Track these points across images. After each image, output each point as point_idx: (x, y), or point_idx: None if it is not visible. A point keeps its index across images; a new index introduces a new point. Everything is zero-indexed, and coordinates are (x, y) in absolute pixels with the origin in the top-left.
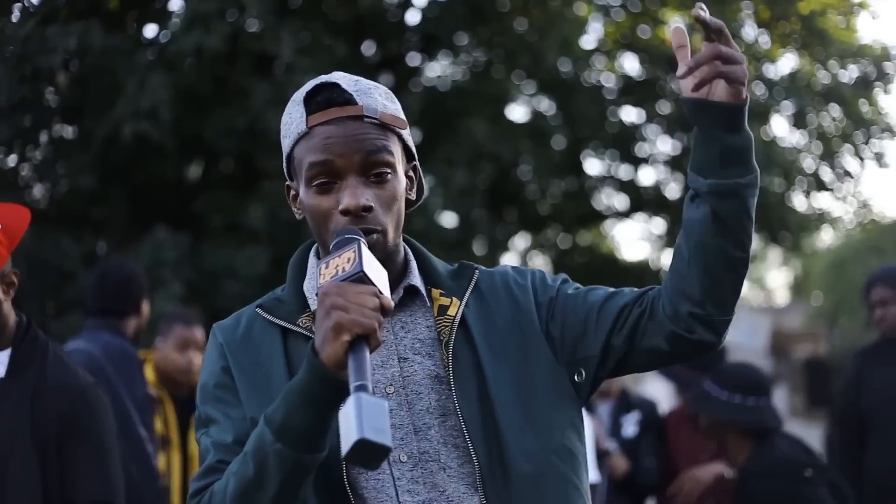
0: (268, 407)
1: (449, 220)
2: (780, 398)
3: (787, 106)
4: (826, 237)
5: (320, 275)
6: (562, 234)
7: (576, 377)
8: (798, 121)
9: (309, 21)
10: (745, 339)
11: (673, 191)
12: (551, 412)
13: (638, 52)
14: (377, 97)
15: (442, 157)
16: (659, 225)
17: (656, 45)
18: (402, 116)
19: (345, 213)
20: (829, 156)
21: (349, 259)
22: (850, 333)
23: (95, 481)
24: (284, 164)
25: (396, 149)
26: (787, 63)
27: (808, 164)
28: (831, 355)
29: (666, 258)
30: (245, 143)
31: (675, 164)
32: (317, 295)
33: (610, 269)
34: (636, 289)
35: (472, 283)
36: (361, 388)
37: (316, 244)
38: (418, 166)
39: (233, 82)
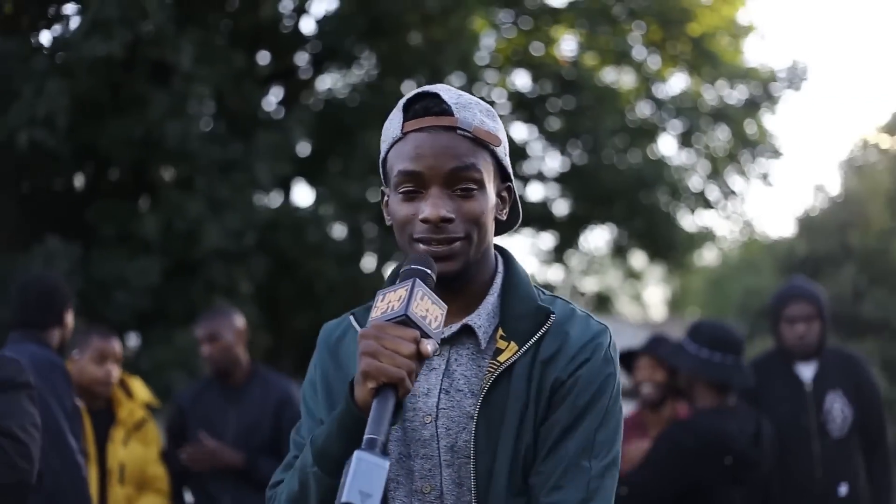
0: (332, 410)
1: (340, 232)
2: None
3: (676, 125)
4: (706, 255)
5: (375, 307)
6: None
7: None
8: (686, 140)
9: (207, 30)
10: None
11: (560, 207)
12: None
13: (530, 69)
14: (476, 112)
15: (335, 170)
16: (546, 240)
17: (548, 62)
18: (501, 135)
19: (424, 221)
20: (716, 175)
21: (400, 297)
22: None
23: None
24: (381, 169)
25: (487, 166)
26: (676, 83)
27: (694, 182)
28: None
29: (553, 273)
30: (140, 152)
31: (563, 180)
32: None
33: None
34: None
35: (541, 332)
36: (370, 443)
37: None
38: (513, 187)
39: (130, 90)
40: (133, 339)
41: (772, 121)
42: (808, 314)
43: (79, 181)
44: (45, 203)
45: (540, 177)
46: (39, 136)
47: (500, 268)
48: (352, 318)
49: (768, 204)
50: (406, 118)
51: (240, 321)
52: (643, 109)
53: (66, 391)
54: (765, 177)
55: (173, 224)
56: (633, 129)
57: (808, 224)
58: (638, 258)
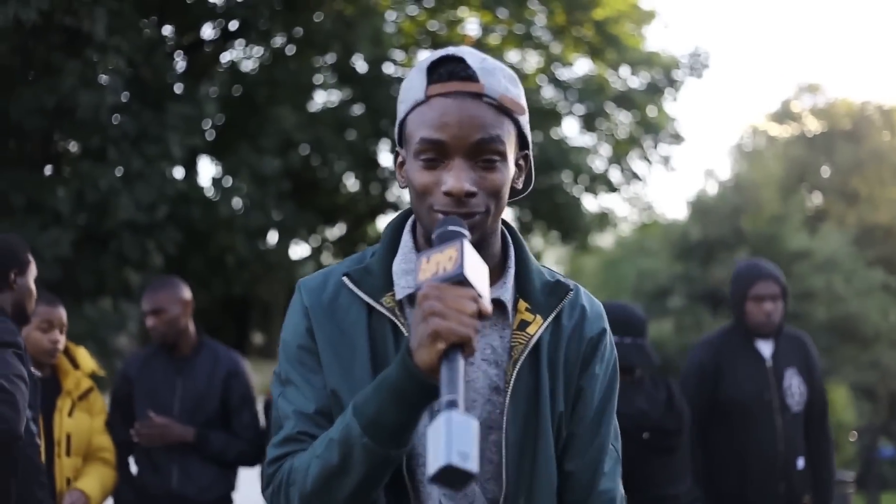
0: (351, 382)
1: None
2: None
3: (579, 108)
4: (600, 237)
5: (419, 269)
6: (352, 227)
7: None
8: (589, 123)
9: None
10: None
11: None
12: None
13: (435, 48)
14: (501, 79)
15: (247, 144)
16: None
17: (454, 41)
18: (523, 102)
19: (447, 194)
20: (618, 158)
21: (451, 258)
22: None
23: None
24: (396, 130)
25: (510, 136)
26: (580, 66)
27: (597, 164)
28: None
29: None
30: (51, 122)
31: None
32: (417, 290)
33: None
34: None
35: (561, 306)
36: (452, 404)
37: (410, 219)
38: (530, 155)
39: (41, 59)
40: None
41: (673, 106)
42: (775, 293)
43: None
44: None
45: None
46: None
47: (510, 240)
48: (346, 279)
49: (662, 187)
50: (430, 81)
51: (186, 292)
52: (547, 92)
53: (24, 360)
54: (666, 161)
55: (85, 195)
56: (537, 111)
57: (701, 208)
58: (536, 239)
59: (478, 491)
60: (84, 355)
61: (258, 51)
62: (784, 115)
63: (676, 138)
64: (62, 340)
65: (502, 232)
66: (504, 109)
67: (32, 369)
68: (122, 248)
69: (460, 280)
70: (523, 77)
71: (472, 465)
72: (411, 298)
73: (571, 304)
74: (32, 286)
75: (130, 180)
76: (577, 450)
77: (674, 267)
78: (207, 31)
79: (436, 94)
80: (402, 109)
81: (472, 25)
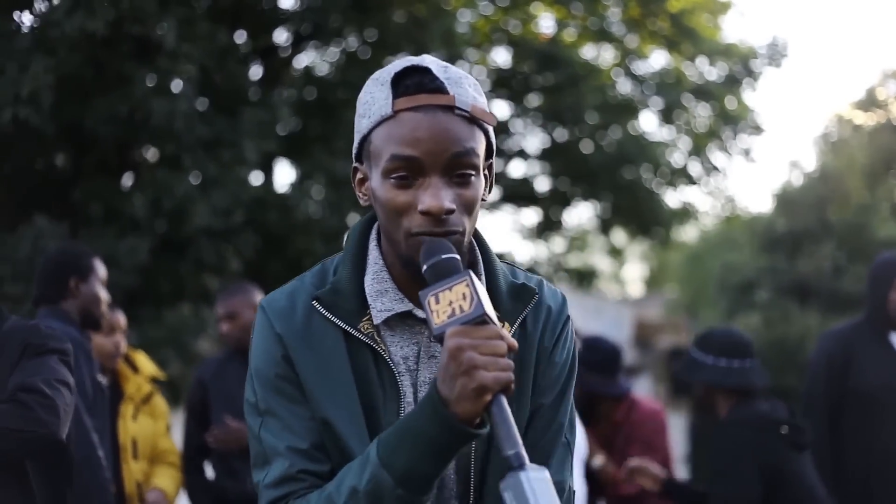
0: (347, 413)
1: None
2: (644, 387)
3: (657, 101)
4: (685, 231)
5: (431, 311)
6: None
7: None
8: (667, 116)
9: (190, 7)
10: (609, 330)
11: (542, 184)
12: None
13: (510, 45)
14: (467, 88)
15: (322, 147)
16: (528, 217)
17: (528, 39)
18: (489, 110)
19: (425, 213)
20: (697, 151)
21: (465, 296)
22: (710, 324)
23: (27, 373)
24: (356, 145)
25: (481, 147)
26: (657, 59)
27: (676, 158)
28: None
29: (538, 250)
30: (126, 131)
31: (544, 157)
32: (436, 336)
33: None
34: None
35: (526, 311)
36: (520, 458)
37: (374, 229)
38: (493, 163)
39: (114, 68)
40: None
41: (752, 97)
42: None
43: (65, 160)
44: (32, 182)
45: (521, 154)
46: (25, 114)
47: (476, 248)
48: (317, 304)
49: (746, 180)
50: (396, 94)
51: (259, 297)
52: (623, 86)
53: (86, 369)
54: (747, 153)
55: (161, 202)
56: (614, 106)
57: (786, 200)
58: (619, 235)
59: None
60: (144, 360)
61: (333, 54)
62: (869, 102)
63: (757, 129)
64: (123, 344)
65: (473, 250)
66: (475, 120)
67: (98, 376)
68: (199, 253)
69: (482, 320)
70: (598, 72)
71: None
72: (387, 321)
73: (536, 305)
74: (99, 292)
75: (206, 186)
76: (531, 439)
77: (759, 260)
78: (281, 36)
79: (404, 108)
80: (364, 125)
81: (546, 22)
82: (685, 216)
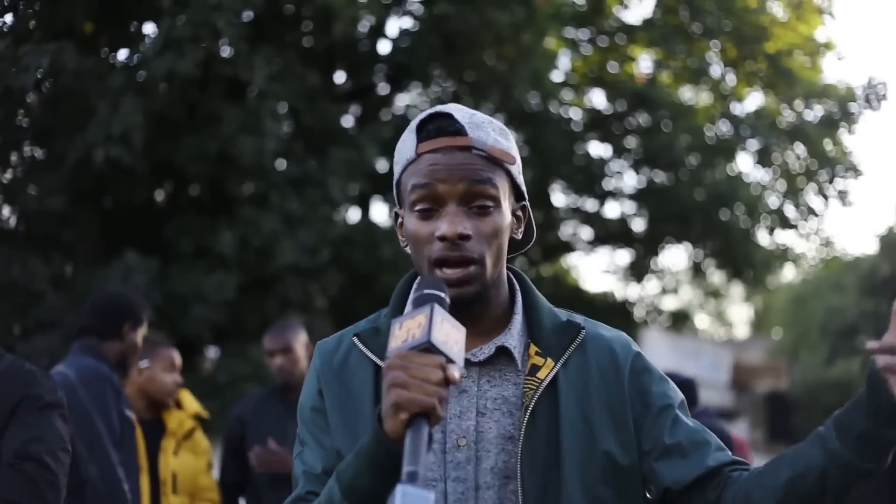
0: (354, 441)
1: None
2: (742, 431)
3: (753, 143)
4: (787, 273)
5: (392, 336)
6: (527, 267)
7: (647, 493)
8: (763, 158)
9: (281, 48)
10: (707, 373)
11: (638, 224)
12: (617, 501)
13: (606, 87)
14: (489, 131)
15: None
16: (623, 257)
17: (624, 80)
18: (515, 154)
19: (441, 239)
20: (793, 193)
21: (420, 324)
22: (811, 368)
23: (26, 436)
24: (395, 191)
25: (503, 184)
26: (753, 101)
27: (772, 200)
28: (792, 389)
29: (631, 290)
30: (215, 168)
31: (640, 197)
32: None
33: (575, 300)
34: (722, 449)
35: (574, 345)
36: (411, 476)
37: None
38: (528, 207)
39: (204, 108)
40: (212, 353)
41: (850, 139)
42: None
43: (158, 197)
44: (125, 219)
45: (617, 194)
46: (115, 153)
47: (517, 286)
48: (356, 339)
49: (849, 222)
50: (419, 139)
51: (304, 335)
52: (720, 127)
53: (114, 404)
54: (843, 195)
55: (248, 240)
56: (710, 147)
57: (890, 243)
58: (718, 276)
59: None
60: (188, 397)
61: (433, 93)
62: None
63: (854, 171)
64: (180, 381)
65: (509, 279)
66: (494, 160)
67: (126, 411)
68: (285, 291)
69: (426, 347)
70: (695, 113)
71: None
72: None
73: (594, 340)
74: (139, 343)
75: (293, 224)
76: (698, 459)
77: (862, 304)
78: (377, 77)
79: (426, 150)
80: (396, 170)
81: (644, 63)
82: (781, 259)
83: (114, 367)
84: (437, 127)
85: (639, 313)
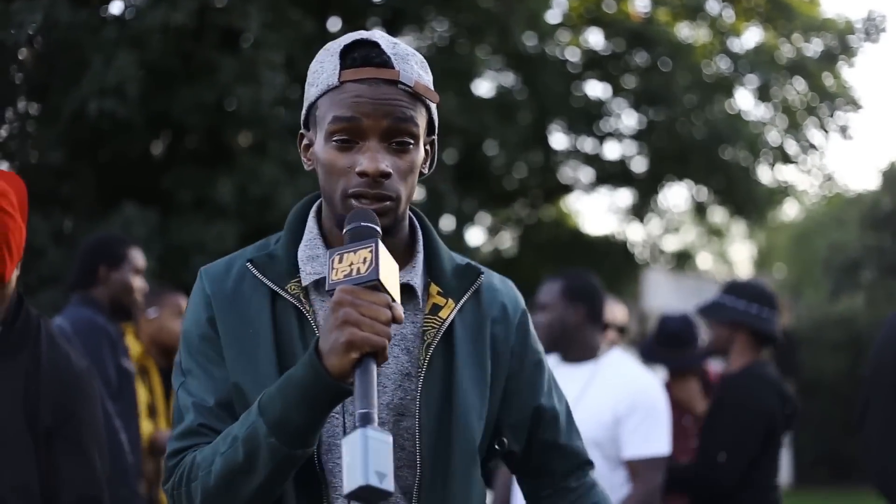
0: (255, 374)
1: (416, 194)
2: None
3: (752, 79)
4: (789, 210)
5: (332, 269)
6: (528, 210)
7: (496, 445)
8: (763, 94)
9: None
10: None
11: (638, 164)
12: (479, 446)
13: (603, 26)
14: (413, 65)
15: None
16: (624, 197)
17: (621, 19)
18: (432, 89)
19: (362, 174)
20: (794, 129)
21: (365, 260)
22: (815, 305)
23: (81, 477)
24: (304, 112)
25: (422, 120)
26: (751, 37)
27: (773, 137)
28: (797, 327)
29: (631, 232)
30: (213, 119)
31: (639, 137)
32: (327, 291)
33: (576, 243)
34: (577, 446)
35: (474, 288)
36: (367, 418)
37: (317, 202)
38: (436, 141)
39: (200, 58)
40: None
41: (850, 73)
42: None
43: (156, 149)
44: (122, 171)
45: (616, 134)
46: (110, 106)
47: (417, 224)
48: (250, 265)
49: (851, 157)
50: (343, 66)
51: None
52: (719, 64)
53: (109, 355)
54: (844, 130)
55: (248, 189)
56: (709, 85)
57: (892, 177)
58: (719, 215)
59: None
60: None
61: (427, 38)
62: None
63: (854, 106)
64: None
65: (409, 217)
66: (417, 96)
67: (124, 362)
68: None
69: (374, 284)
70: (693, 50)
71: (389, 484)
72: (317, 285)
73: (488, 288)
74: (131, 281)
75: (292, 172)
76: (559, 430)
77: (865, 239)
78: (372, 22)
79: (350, 79)
80: (312, 93)
81: (641, 1)
82: (782, 195)
83: (110, 314)
84: (364, 56)
85: (641, 254)
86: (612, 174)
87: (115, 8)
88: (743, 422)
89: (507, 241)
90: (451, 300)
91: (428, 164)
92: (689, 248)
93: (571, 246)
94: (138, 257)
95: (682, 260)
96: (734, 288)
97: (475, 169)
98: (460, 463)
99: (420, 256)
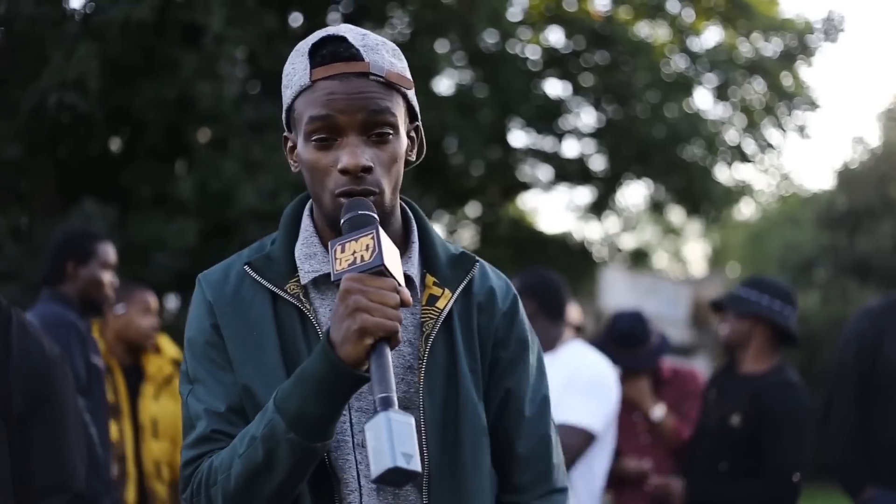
0: (262, 375)
1: None
2: (701, 366)
3: (711, 78)
4: (745, 209)
5: (335, 259)
6: (487, 208)
7: None
8: (722, 93)
9: None
10: (666, 310)
11: (597, 162)
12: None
13: (563, 24)
14: (384, 54)
15: None
16: (582, 195)
17: (581, 17)
18: (408, 75)
19: (343, 172)
20: (752, 128)
21: (367, 247)
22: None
23: (54, 462)
24: (284, 115)
25: (400, 109)
26: (711, 36)
27: (731, 136)
28: None
29: (590, 230)
30: (173, 114)
31: (598, 135)
32: (333, 282)
33: (534, 241)
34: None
35: (468, 278)
36: (387, 402)
37: (310, 200)
38: (421, 126)
39: (161, 53)
40: (172, 301)
41: (808, 73)
42: None
43: (115, 145)
44: (82, 167)
45: (575, 132)
46: (70, 100)
47: (411, 214)
48: (248, 268)
49: (806, 157)
50: (313, 64)
51: None
52: (678, 63)
53: (78, 351)
54: (802, 129)
55: (208, 185)
56: (668, 84)
57: (847, 177)
58: (676, 214)
59: None
60: (166, 342)
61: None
62: None
63: (812, 106)
64: (157, 324)
65: (402, 207)
66: (391, 84)
67: (93, 358)
68: (247, 236)
69: (380, 270)
70: (652, 49)
71: (416, 464)
72: (316, 283)
73: (481, 276)
74: (100, 276)
75: (253, 169)
76: (524, 432)
77: (820, 238)
78: (333, 18)
79: (321, 77)
80: (287, 95)
81: (601, 0)
82: (739, 194)
83: (80, 309)
84: (332, 52)
85: (598, 252)
86: (570, 172)
87: (77, 2)
88: (807, 442)
89: (465, 239)
90: (447, 290)
91: (416, 151)
92: (646, 246)
93: (529, 244)
94: (108, 252)
95: (639, 258)
96: (756, 283)
97: (435, 166)
98: (469, 452)
99: (415, 247)
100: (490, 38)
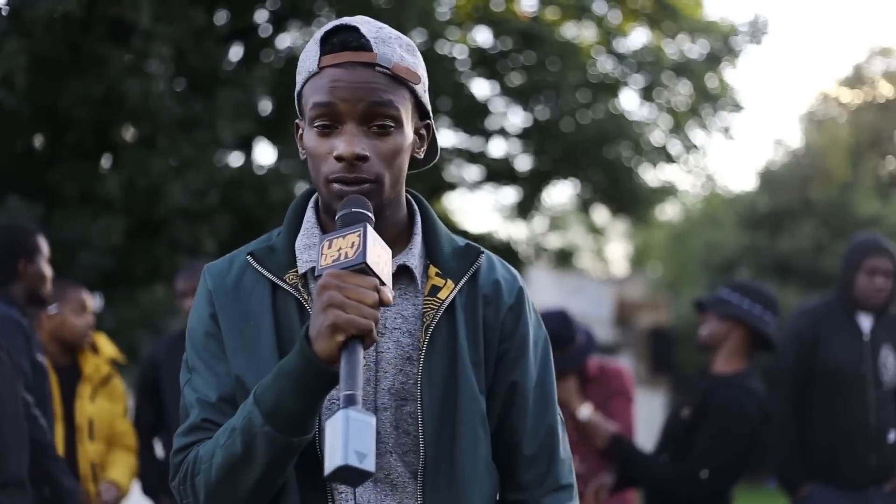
0: (256, 365)
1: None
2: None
3: (638, 79)
4: (668, 209)
5: (321, 254)
6: None
7: None
8: (648, 94)
9: None
10: (590, 309)
11: (523, 162)
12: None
13: (491, 24)
14: (395, 47)
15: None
16: (509, 196)
17: (509, 18)
18: (420, 71)
19: (338, 158)
20: (677, 129)
21: (353, 244)
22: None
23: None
24: (296, 101)
25: (405, 103)
26: (637, 37)
27: (656, 136)
28: (674, 324)
29: (515, 229)
30: (100, 111)
31: (525, 136)
32: (316, 277)
33: None
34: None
35: (473, 269)
36: (350, 399)
37: (316, 194)
38: (433, 125)
39: (89, 50)
40: (97, 300)
41: (733, 75)
42: (888, 269)
43: (40, 141)
44: (7, 164)
45: (502, 132)
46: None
47: (416, 207)
48: (250, 258)
49: (729, 158)
50: (323, 52)
51: None
52: (604, 64)
53: (24, 349)
54: (726, 130)
55: (136, 183)
56: (595, 85)
57: (769, 178)
58: (601, 214)
59: (396, 464)
60: (104, 342)
61: (307, 34)
62: (856, 80)
63: (737, 107)
64: (93, 323)
65: (408, 200)
66: (398, 78)
67: (38, 356)
68: (174, 235)
69: (361, 268)
70: (579, 50)
71: (369, 465)
72: (314, 272)
73: (487, 268)
74: (45, 270)
75: (181, 167)
76: (530, 427)
77: (741, 239)
78: (262, 16)
79: (328, 64)
80: (298, 81)
81: (528, 0)
82: (664, 194)
83: (26, 305)
84: (342, 40)
85: (524, 252)
86: (497, 172)
87: None
88: (730, 446)
89: None
90: (450, 281)
91: (424, 149)
92: (570, 246)
93: None
94: (45, 244)
95: (564, 258)
96: (740, 287)
97: None
98: (466, 445)
99: (417, 238)
100: (419, 37)
